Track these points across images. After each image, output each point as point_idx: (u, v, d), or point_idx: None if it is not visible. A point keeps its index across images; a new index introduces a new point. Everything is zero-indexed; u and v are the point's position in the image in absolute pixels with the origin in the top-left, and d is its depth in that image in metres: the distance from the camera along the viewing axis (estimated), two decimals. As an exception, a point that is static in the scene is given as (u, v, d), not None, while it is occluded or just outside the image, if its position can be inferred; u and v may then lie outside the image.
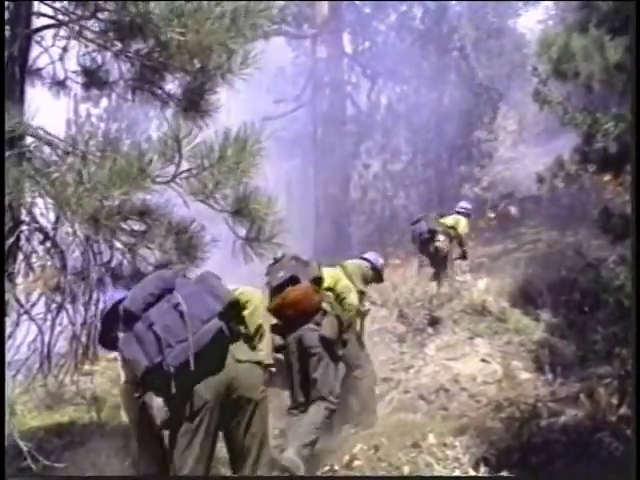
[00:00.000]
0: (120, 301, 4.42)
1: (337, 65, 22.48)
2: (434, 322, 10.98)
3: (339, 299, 6.90)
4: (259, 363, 4.61)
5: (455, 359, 9.13)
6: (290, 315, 6.49)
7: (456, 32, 22.48)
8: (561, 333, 8.70)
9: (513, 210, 19.50)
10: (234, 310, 4.57)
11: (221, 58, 5.38)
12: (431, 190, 21.47)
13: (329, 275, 7.02)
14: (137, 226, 5.43)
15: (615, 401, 6.42)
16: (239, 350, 4.47)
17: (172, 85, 5.85)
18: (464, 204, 14.24)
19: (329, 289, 6.90)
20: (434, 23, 22.21)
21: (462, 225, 13.35)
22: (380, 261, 8.46)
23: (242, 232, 5.52)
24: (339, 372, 6.88)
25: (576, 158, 6.87)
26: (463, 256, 13.65)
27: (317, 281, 6.74)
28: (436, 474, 6.16)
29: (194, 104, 5.73)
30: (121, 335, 4.36)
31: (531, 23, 32.79)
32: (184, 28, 4.96)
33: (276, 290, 6.53)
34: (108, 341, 4.61)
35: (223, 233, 5.84)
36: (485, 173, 22.72)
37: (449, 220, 13.33)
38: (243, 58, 5.41)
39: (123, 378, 4.65)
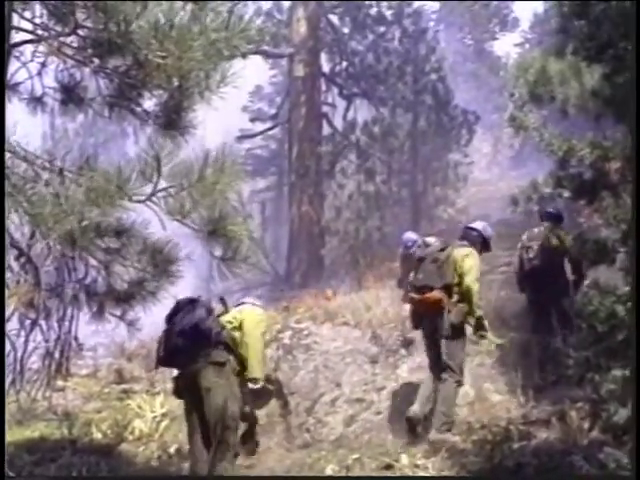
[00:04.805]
0: None
1: (314, 84, 22.54)
2: (407, 343, 10.97)
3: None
4: None
5: (428, 380, 9.11)
6: (423, 310, 8.13)
7: (433, 54, 22.61)
8: (534, 356, 8.74)
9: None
10: None
11: (199, 77, 5.37)
12: (406, 211, 21.50)
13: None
14: (112, 243, 5.42)
15: (587, 425, 6.45)
16: None
17: (150, 102, 5.83)
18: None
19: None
20: (412, 45, 22.35)
21: None
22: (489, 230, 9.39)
23: (218, 252, 5.55)
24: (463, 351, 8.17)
25: (550, 182, 6.92)
26: None
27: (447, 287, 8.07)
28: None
29: (172, 121, 5.72)
30: None
31: (507, 46, 33.16)
32: (165, 52, 4.96)
33: (417, 289, 8.20)
34: None
35: (197, 251, 5.85)
36: (460, 195, 22.80)
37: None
38: (221, 77, 5.41)
39: None
